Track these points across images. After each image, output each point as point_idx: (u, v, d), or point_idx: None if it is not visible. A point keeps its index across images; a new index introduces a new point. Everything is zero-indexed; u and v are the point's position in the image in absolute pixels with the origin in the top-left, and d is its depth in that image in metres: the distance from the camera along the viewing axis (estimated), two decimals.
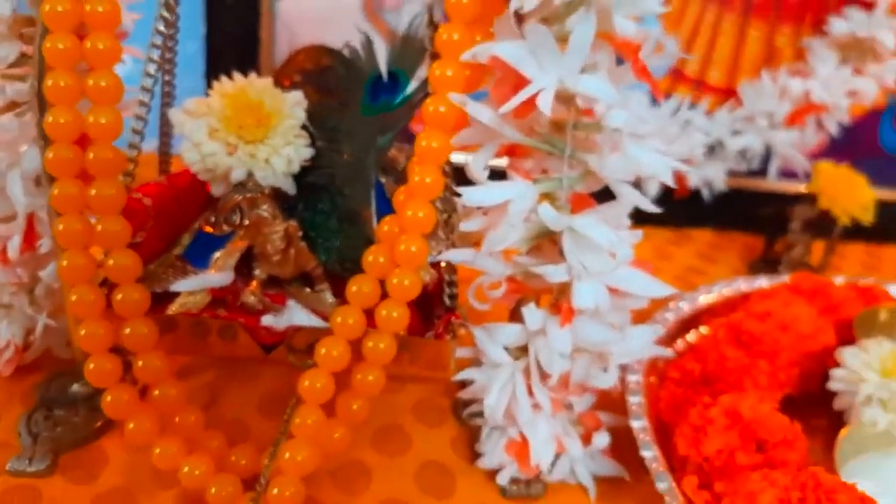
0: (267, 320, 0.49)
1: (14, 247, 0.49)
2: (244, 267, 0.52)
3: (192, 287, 0.49)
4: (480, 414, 0.49)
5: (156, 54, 0.50)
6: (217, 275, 0.50)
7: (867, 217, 0.82)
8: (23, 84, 0.47)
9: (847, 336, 0.62)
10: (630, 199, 0.43)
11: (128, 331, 0.43)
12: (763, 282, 0.74)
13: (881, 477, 0.49)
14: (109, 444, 0.49)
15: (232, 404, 0.54)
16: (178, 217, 0.54)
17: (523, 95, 0.38)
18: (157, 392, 0.44)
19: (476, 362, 0.48)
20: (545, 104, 0.38)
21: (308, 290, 0.52)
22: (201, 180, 0.55)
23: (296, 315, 0.50)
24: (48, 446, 0.47)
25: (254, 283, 0.51)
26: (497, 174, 0.43)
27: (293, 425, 0.43)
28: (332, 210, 0.52)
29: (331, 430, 0.44)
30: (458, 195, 0.42)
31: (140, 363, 0.43)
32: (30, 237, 0.49)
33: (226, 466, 0.46)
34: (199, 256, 0.52)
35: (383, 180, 0.54)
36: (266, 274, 0.51)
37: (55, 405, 0.50)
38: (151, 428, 0.43)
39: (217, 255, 0.51)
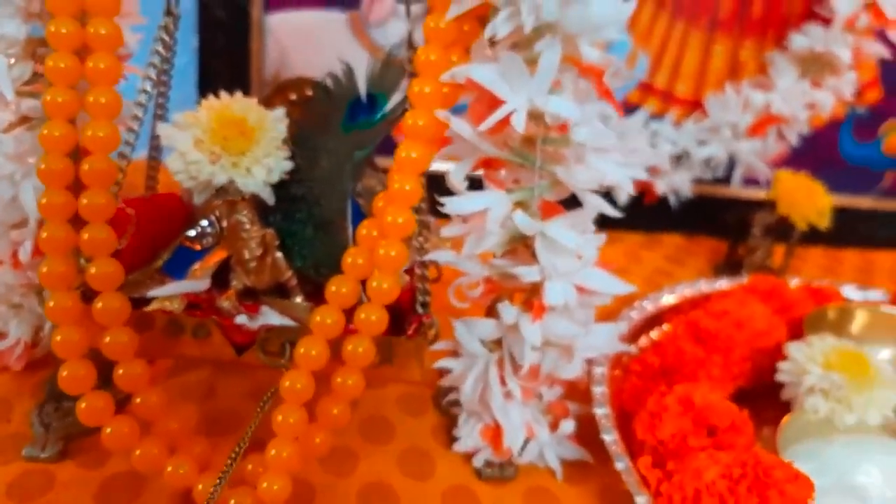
0: (240, 319, 0.51)
1: (26, 251, 0.52)
2: (221, 279, 0.53)
3: (169, 293, 0.51)
4: (458, 403, 0.54)
5: (153, 73, 0.53)
6: (193, 281, 0.52)
7: (823, 222, 0.87)
8: (35, 100, 0.50)
9: (799, 334, 0.67)
10: (594, 205, 0.47)
11: (108, 339, 0.44)
12: (723, 283, 0.79)
13: (819, 460, 0.54)
14: None
15: (228, 398, 0.58)
16: (160, 233, 0.56)
17: (499, 115, 0.43)
18: (138, 400, 0.46)
19: (454, 354, 0.53)
20: (519, 123, 0.42)
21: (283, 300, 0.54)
22: (185, 202, 0.58)
23: (269, 316, 0.51)
24: (59, 434, 0.51)
25: (230, 291, 0.52)
26: (473, 182, 0.47)
27: (276, 423, 0.45)
28: (308, 219, 0.54)
29: (312, 435, 0.46)
30: (441, 205, 0.46)
31: (120, 371, 0.45)
32: None
33: (211, 469, 0.47)
34: (178, 270, 0.54)
35: (360, 202, 0.58)
36: (242, 284, 0.53)
37: (64, 398, 0.53)
38: (130, 432, 0.45)
39: (195, 266, 0.53)
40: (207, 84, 0.86)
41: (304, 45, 0.86)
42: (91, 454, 0.51)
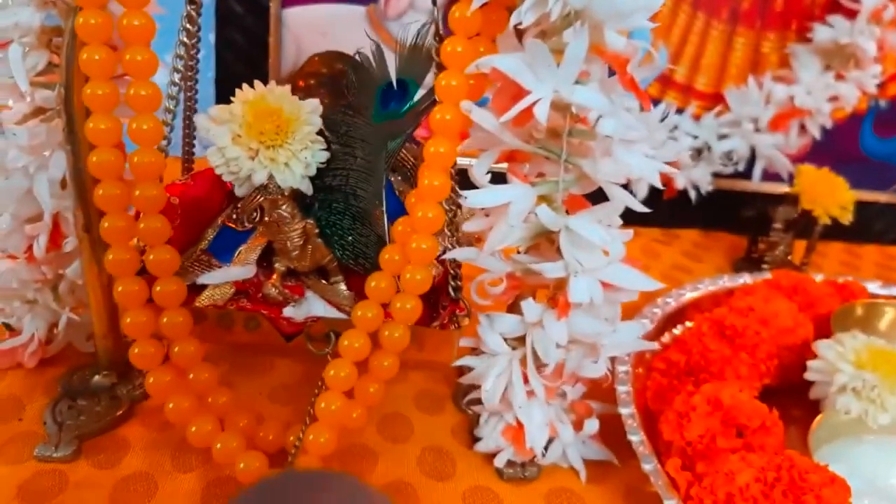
0: (288, 312, 0.53)
1: (40, 245, 0.52)
2: (265, 260, 0.56)
3: (218, 280, 0.53)
4: (479, 402, 0.53)
5: (180, 64, 0.53)
6: (240, 268, 0.54)
7: (846, 217, 0.86)
8: (50, 91, 0.49)
9: (825, 330, 0.65)
10: (621, 199, 0.46)
11: (165, 319, 0.46)
12: (746, 278, 0.77)
13: (851, 461, 0.52)
14: (130, 432, 0.52)
15: (244, 394, 0.57)
16: (203, 213, 0.58)
17: (522, 105, 0.41)
18: (191, 375, 0.48)
19: (476, 352, 0.52)
20: (542, 114, 0.41)
21: (324, 281, 0.56)
22: (222, 180, 0.58)
23: (314, 306, 0.54)
24: (73, 434, 0.50)
25: (274, 275, 0.54)
26: (497, 176, 0.46)
27: (318, 409, 0.47)
28: (345, 210, 0.54)
29: (350, 410, 0.48)
30: (462, 197, 0.45)
31: (176, 349, 0.47)
32: (55, 236, 0.52)
33: (255, 441, 0.50)
34: (222, 250, 0.56)
35: (392, 178, 0.57)
36: (285, 267, 0.55)
37: (78, 396, 0.53)
38: (189, 407, 0.47)
39: (240, 249, 0.55)
40: (225, 79, 0.85)
41: (321, 39, 0.84)
42: (105, 453, 0.50)
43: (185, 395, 0.47)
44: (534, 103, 0.41)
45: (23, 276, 0.53)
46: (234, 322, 0.54)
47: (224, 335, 0.55)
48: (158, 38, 0.52)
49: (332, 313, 0.54)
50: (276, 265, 0.55)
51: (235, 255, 0.55)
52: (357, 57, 0.56)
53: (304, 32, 0.84)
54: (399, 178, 0.57)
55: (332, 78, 0.57)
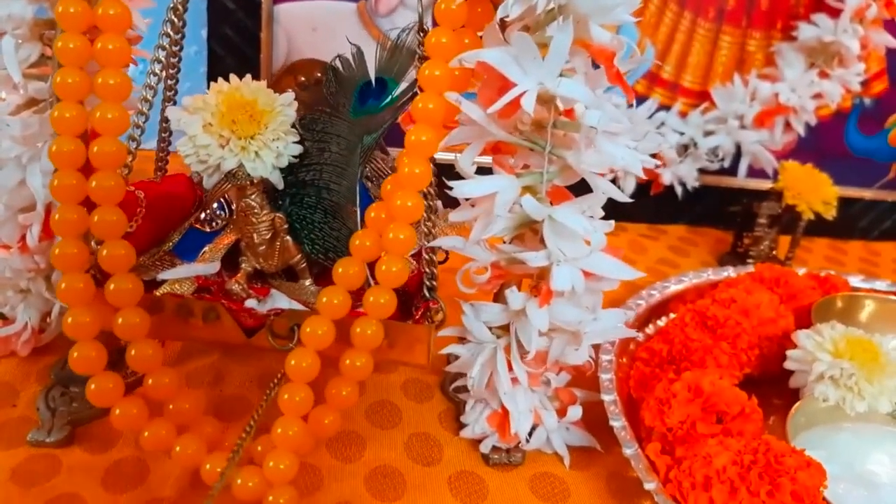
0: (250, 303, 0.51)
1: (33, 235, 0.52)
2: (231, 262, 0.54)
3: (179, 275, 0.52)
4: (465, 389, 0.54)
5: (161, 55, 0.53)
6: (203, 265, 0.53)
7: (829, 212, 0.87)
8: (43, 83, 0.50)
9: (806, 322, 0.66)
10: (603, 190, 0.47)
11: (120, 320, 0.44)
12: (730, 272, 0.78)
13: (829, 447, 0.54)
14: None
15: (235, 382, 0.58)
16: (170, 215, 0.56)
17: (509, 96, 0.42)
18: (150, 381, 0.45)
19: (461, 340, 0.53)
20: (529, 105, 0.42)
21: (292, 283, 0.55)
22: (194, 184, 0.58)
23: (278, 300, 0.52)
24: (65, 420, 0.51)
25: (240, 273, 0.53)
26: (482, 171, 0.47)
27: (281, 402, 0.45)
28: (317, 203, 0.54)
29: (322, 416, 0.46)
30: (449, 188, 0.46)
31: (132, 352, 0.45)
32: (48, 226, 0.52)
33: (220, 449, 0.47)
34: (188, 251, 0.55)
35: (369, 185, 0.58)
36: (252, 267, 0.53)
37: (70, 383, 0.53)
38: (139, 413, 0.45)
39: (205, 249, 0.54)
40: (217, 74, 0.85)
41: (312, 34, 0.85)
42: (98, 439, 0.51)
43: (134, 400, 0.45)
44: (520, 95, 0.42)
45: (16, 266, 0.53)
46: (193, 313, 0.52)
47: (181, 328, 0.52)
48: (149, 34, 0.53)
49: (297, 307, 0.52)
50: (243, 265, 0.53)
51: (200, 255, 0.54)
52: (337, 61, 0.57)
53: (296, 28, 0.84)
54: (376, 185, 0.57)
55: (312, 86, 0.57)
